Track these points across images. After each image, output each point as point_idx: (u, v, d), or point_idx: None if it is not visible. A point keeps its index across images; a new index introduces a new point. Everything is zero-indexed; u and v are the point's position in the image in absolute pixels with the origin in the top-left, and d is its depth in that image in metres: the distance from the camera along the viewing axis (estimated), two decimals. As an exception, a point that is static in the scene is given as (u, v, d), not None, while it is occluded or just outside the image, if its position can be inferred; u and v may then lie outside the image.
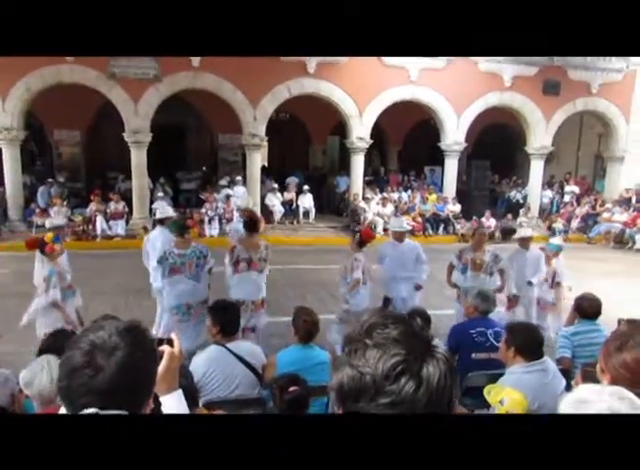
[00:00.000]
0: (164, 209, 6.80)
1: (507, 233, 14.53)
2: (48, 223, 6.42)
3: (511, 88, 15.18)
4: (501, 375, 3.21)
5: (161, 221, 6.58)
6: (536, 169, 16.25)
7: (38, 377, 2.34)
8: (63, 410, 1.38)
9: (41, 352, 3.13)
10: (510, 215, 15.01)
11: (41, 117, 15.51)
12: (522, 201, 16.61)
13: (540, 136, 15.75)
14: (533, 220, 15.97)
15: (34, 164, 17.02)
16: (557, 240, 7.23)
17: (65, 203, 13.32)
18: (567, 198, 16.94)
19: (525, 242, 6.61)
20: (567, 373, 3.53)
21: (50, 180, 14.51)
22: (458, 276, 6.30)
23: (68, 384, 1.17)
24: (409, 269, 6.40)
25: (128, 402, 1.18)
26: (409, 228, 6.52)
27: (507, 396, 2.71)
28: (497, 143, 18.21)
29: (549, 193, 17.31)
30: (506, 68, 14.89)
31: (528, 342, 3.13)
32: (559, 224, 15.05)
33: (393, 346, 0.88)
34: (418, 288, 6.46)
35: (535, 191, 16.42)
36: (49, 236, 5.66)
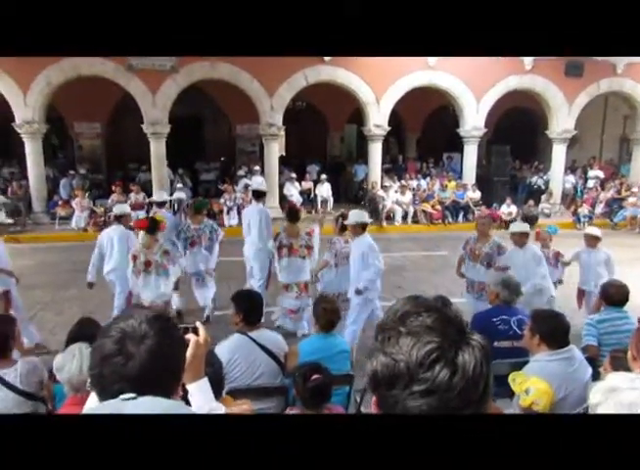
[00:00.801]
0: (121, 206, 7.03)
1: (529, 220, 14.32)
2: (117, 210, 6.76)
3: (532, 71, 14.85)
4: (525, 363, 3.18)
5: (118, 218, 6.65)
6: (558, 154, 15.92)
7: (68, 364, 2.40)
8: (93, 397, 1.40)
9: (69, 340, 3.20)
10: (532, 202, 14.76)
11: (62, 110, 15.69)
12: (543, 187, 16.31)
13: (562, 120, 15.42)
14: (556, 206, 15.70)
15: (56, 156, 17.26)
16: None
17: (86, 194, 13.51)
18: (590, 183, 16.59)
19: (521, 238, 5.77)
20: (593, 361, 3.48)
21: (71, 172, 14.72)
22: (465, 266, 6.22)
23: (100, 371, 1.20)
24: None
25: (158, 388, 1.20)
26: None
27: (533, 385, 2.68)
28: (518, 128, 17.88)
29: (572, 178, 16.97)
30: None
31: (554, 329, 3.09)
32: (584, 210, 14.76)
33: (427, 333, 0.88)
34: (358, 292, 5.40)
35: (558, 176, 16.11)
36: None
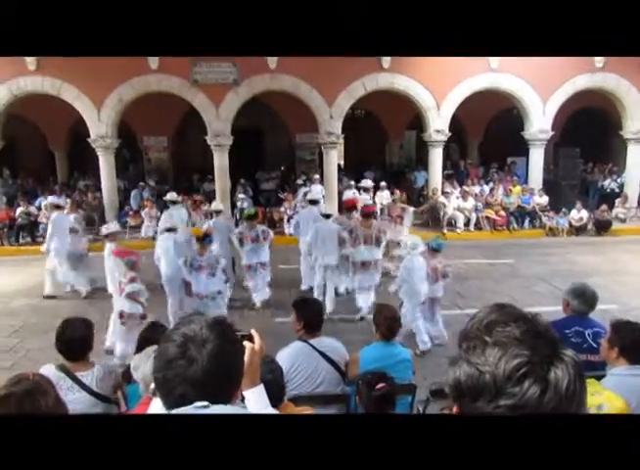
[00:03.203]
0: (110, 225, 8.04)
1: (602, 226, 13.56)
2: (105, 230, 7.86)
3: (602, 69, 14.12)
4: (600, 377, 2.99)
5: (107, 236, 7.61)
6: (634, 155, 14.99)
7: (143, 365, 2.51)
8: (157, 402, 1.45)
9: (140, 342, 3.35)
10: (605, 206, 13.95)
11: (132, 125, 16.55)
12: (617, 190, 15.39)
13: (638, 119, 14.52)
14: (632, 211, 14.76)
15: (127, 169, 18.20)
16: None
17: (155, 205, 14.11)
18: (670, 185, 15.49)
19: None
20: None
21: (141, 184, 15.47)
22: None
23: (164, 374, 1.23)
24: None
25: (220, 393, 1.23)
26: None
27: (607, 402, 2.51)
28: (588, 129, 17.00)
29: (649, 181, 15.91)
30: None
31: (635, 343, 2.88)
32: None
33: (516, 345, 0.84)
34: None
35: (633, 179, 15.14)
36: (196, 230, 8.56)
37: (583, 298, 3.73)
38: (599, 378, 2.97)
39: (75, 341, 3.13)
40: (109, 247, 7.41)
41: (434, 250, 6.52)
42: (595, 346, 3.45)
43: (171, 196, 10.08)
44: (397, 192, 13.73)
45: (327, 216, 8.17)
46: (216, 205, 9.72)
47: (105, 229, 7.71)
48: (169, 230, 7.47)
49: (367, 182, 12.95)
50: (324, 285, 7.89)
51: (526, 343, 0.84)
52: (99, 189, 14.72)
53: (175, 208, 9.81)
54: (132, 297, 5.89)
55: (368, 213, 8.12)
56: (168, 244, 7.23)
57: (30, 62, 12.93)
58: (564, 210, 13.86)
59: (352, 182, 15.33)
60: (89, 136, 13.71)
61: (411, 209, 10.51)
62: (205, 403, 1.18)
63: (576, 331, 3.63)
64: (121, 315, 5.96)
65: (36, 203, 13.92)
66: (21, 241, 12.79)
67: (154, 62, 13.20)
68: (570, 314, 3.81)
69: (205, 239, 6.78)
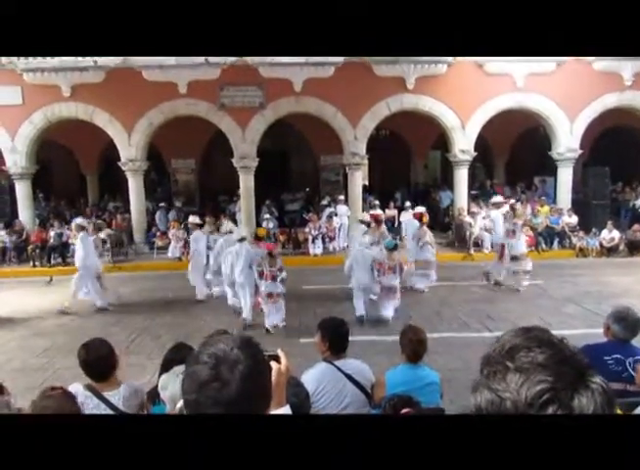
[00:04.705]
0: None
1: (635, 246, 13.19)
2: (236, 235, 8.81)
3: (632, 87, 13.91)
4: (637, 404, 2.86)
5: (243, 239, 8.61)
6: (667, 174, 14.63)
7: (172, 384, 2.51)
8: None
9: (165, 362, 3.36)
10: (637, 226, 13.58)
11: (160, 148, 16.96)
12: (650, 209, 15.00)
13: (670, 137, 14.21)
14: (666, 231, 14.32)
15: (155, 191, 18.60)
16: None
17: (182, 226, 14.33)
18: None
19: None
20: None
21: (162, 205, 15.80)
22: None
23: (196, 397, 1.23)
24: None
25: (250, 413, 1.22)
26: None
27: None
28: (618, 148, 16.69)
29: (683, 200, 15.46)
30: (625, 65, 13.65)
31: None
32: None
33: (539, 371, 0.81)
34: None
35: (667, 198, 14.76)
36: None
37: (625, 323, 3.47)
38: (635, 405, 2.85)
39: (97, 361, 3.16)
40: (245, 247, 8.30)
41: (388, 249, 8.30)
42: (634, 374, 3.29)
43: (193, 219, 10.53)
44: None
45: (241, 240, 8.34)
46: (240, 232, 9.35)
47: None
48: (241, 240, 8.32)
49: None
50: None
51: (551, 369, 0.81)
52: (128, 211, 15.05)
53: (198, 231, 10.13)
54: (282, 281, 7.73)
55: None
56: (241, 251, 8.12)
57: (65, 89, 13.43)
58: (594, 230, 13.54)
59: (377, 202, 15.34)
60: (119, 160, 14.08)
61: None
62: None
63: (616, 359, 3.41)
64: (270, 295, 7.64)
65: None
66: (52, 262, 13.11)
67: (183, 87, 13.56)
68: (610, 339, 3.57)
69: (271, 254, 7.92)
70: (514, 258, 9.86)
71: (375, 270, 8.11)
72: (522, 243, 10.11)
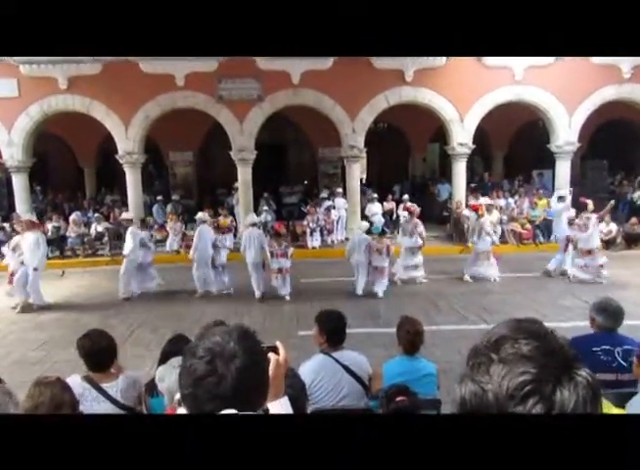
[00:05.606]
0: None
1: (632, 239, 13.21)
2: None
3: (631, 80, 13.88)
4: (631, 394, 2.88)
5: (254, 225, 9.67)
6: (665, 167, 14.63)
7: (168, 376, 2.52)
8: (182, 410, 1.46)
9: (163, 354, 3.37)
10: (635, 219, 13.61)
11: (158, 140, 16.89)
12: (648, 203, 15.01)
13: (668, 130, 14.20)
14: (663, 224, 14.35)
15: (153, 184, 18.54)
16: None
17: (179, 218, 14.31)
18: None
19: None
20: None
21: (159, 198, 15.73)
22: None
23: (193, 392, 1.24)
24: None
25: (248, 406, 1.23)
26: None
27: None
28: (616, 141, 16.67)
29: (681, 193, 15.47)
30: (624, 58, 13.60)
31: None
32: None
33: (522, 363, 0.80)
34: None
35: (664, 191, 14.77)
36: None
37: (607, 313, 3.57)
38: (629, 396, 2.87)
39: (97, 352, 3.17)
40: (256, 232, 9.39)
41: (377, 234, 9.62)
42: (625, 364, 3.32)
43: (202, 216, 10.36)
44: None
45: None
46: (251, 218, 10.16)
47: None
48: (253, 225, 9.43)
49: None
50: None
51: (535, 361, 0.80)
52: (125, 204, 15.01)
53: (204, 226, 9.94)
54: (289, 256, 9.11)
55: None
56: (253, 235, 9.11)
57: (62, 82, 13.36)
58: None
59: (375, 195, 15.32)
60: (117, 152, 14.03)
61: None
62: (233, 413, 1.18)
63: (605, 350, 3.45)
64: (280, 271, 8.99)
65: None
66: (50, 255, 13.08)
67: (180, 79, 13.50)
68: (596, 331, 3.65)
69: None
70: (588, 252, 9.82)
71: (367, 252, 9.27)
72: (595, 237, 10.05)
